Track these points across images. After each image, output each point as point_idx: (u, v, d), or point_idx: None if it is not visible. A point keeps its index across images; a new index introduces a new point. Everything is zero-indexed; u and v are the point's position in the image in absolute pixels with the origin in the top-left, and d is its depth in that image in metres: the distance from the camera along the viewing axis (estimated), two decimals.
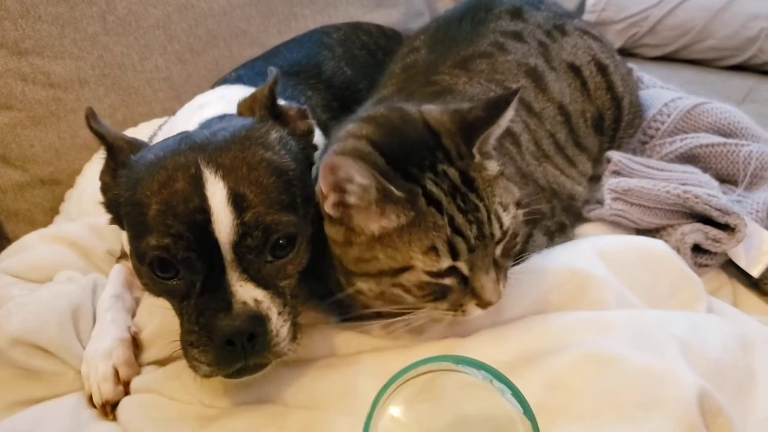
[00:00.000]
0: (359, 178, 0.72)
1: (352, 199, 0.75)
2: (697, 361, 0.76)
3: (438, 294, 0.76)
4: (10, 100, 1.35)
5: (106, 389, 0.87)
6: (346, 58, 1.35)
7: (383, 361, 0.81)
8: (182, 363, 0.86)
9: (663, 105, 1.25)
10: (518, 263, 0.91)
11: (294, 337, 0.79)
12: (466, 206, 0.73)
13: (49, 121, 1.38)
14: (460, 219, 0.73)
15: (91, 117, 0.87)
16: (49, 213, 1.39)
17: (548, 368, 0.75)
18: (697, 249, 1.02)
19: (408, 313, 0.79)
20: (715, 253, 1.02)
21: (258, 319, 0.75)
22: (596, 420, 0.70)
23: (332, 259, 0.81)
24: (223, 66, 1.52)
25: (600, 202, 1.07)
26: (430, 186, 0.74)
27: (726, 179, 1.16)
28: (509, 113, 0.77)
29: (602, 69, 1.18)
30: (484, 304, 0.76)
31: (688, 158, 1.18)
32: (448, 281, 0.75)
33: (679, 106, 1.24)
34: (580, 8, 2.01)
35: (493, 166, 0.78)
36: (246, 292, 0.75)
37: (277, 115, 0.89)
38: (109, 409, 0.87)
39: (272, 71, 0.91)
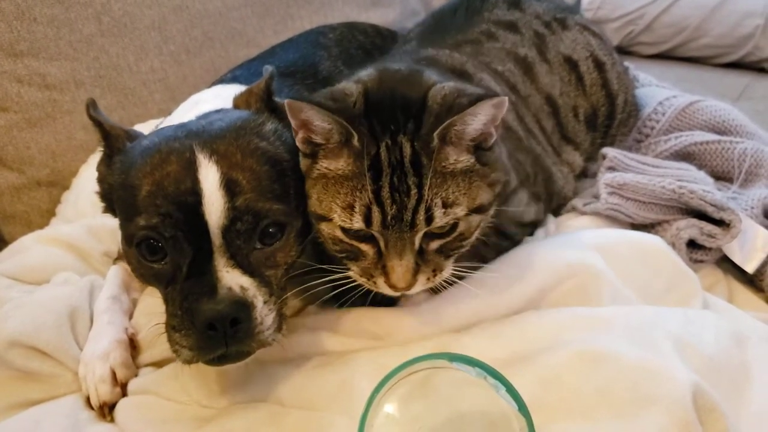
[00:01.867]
0: (317, 121, 0.76)
1: (317, 138, 0.78)
2: (691, 357, 0.77)
3: (351, 255, 0.78)
4: (5, 102, 1.35)
5: (103, 391, 0.87)
6: (342, 58, 1.35)
7: (379, 359, 0.81)
8: (179, 363, 0.87)
9: (658, 103, 1.26)
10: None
11: (279, 328, 0.79)
12: (399, 185, 0.74)
13: (45, 123, 1.38)
14: (386, 193, 0.74)
15: (91, 106, 0.87)
16: (46, 215, 1.39)
17: (543, 365, 0.76)
18: (692, 245, 1.03)
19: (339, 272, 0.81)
20: (710, 249, 1.02)
21: (242, 306, 0.75)
22: (591, 416, 0.71)
23: None
24: (219, 67, 1.53)
25: (596, 197, 1.08)
26: (383, 151, 0.75)
27: (721, 176, 1.17)
28: (482, 112, 0.74)
29: (599, 66, 1.18)
30: (390, 284, 0.76)
31: (683, 156, 1.18)
32: (364, 247, 0.77)
33: (674, 104, 1.25)
34: (576, 7, 2.02)
35: (460, 159, 0.76)
36: (232, 278, 0.75)
37: (273, 109, 0.89)
38: (106, 411, 0.87)
39: (267, 69, 0.91)
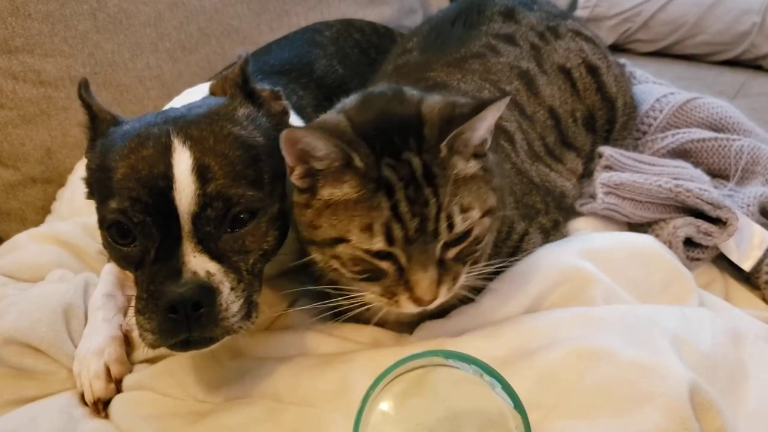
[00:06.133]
0: (318, 145, 0.73)
1: (319, 165, 0.76)
2: (688, 354, 0.76)
3: (372, 275, 0.76)
4: (0, 98, 1.35)
5: (97, 387, 0.87)
6: (338, 57, 1.35)
7: (377, 357, 0.81)
8: (175, 359, 0.87)
9: (655, 100, 1.26)
10: (514, 260, 0.91)
11: (248, 315, 0.78)
12: (416, 197, 0.73)
13: (40, 120, 1.38)
14: (404, 208, 0.72)
15: (83, 86, 0.88)
16: (41, 212, 1.39)
17: (539, 363, 0.75)
18: (689, 243, 1.02)
19: (349, 296, 0.79)
20: (707, 247, 1.02)
21: (206, 291, 0.74)
22: (587, 414, 0.70)
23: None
24: (214, 64, 1.52)
25: (593, 197, 1.07)
26: (387, 170, 0.73)
27: (717, 174, 1.17)
28: (489, 116, 0.75)
29: (593, 71, 1.17)
30: (415, 299, 0.74)
31: (680, 153, 1.18)
32: (384, 265, 0.75)
33: (671, 102, 1.25)
34: (573, 4, 2.02)
35: (468, 166, 0.76)
36: (198, 263, 0.75)
37: (250, 95, 0.89)
38: (101, 407, 0.87)
39: (242, 55, 0.91)
